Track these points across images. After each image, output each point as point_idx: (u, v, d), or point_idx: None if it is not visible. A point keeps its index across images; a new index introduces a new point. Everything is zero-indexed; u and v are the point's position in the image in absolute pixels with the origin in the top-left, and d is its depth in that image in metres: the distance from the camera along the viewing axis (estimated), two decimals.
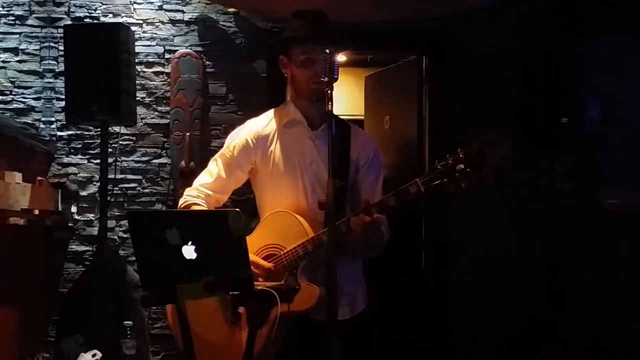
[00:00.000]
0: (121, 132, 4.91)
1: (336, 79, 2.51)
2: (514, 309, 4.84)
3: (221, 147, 3.07)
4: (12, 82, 4.98)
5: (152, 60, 5.02)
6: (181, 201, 2.98)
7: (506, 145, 4.67)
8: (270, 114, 3.00)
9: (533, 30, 4.84)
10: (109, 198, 4.53)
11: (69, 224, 4.84)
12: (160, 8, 5.04)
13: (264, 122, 2.97)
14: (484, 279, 4.91)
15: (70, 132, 4.98)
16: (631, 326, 4.83)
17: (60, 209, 4.66)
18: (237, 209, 2.34)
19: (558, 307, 4.62)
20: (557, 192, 4.66)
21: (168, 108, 4.98)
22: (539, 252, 4.74)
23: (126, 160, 4.99)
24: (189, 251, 2.34)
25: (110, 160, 4.62)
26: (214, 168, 2.98)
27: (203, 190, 2.96)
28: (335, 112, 2.54)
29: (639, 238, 4.89)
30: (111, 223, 4.82)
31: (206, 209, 2.91)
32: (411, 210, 4.74)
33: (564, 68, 4.39)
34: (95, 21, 4.98)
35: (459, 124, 4.94)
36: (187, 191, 2.99)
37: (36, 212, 4.15)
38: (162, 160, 5.01)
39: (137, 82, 4.73)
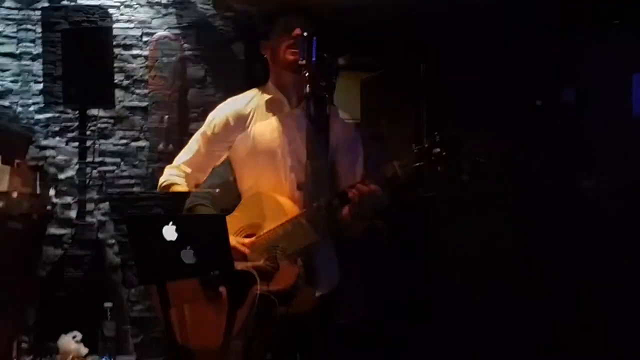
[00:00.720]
0: (99, 115, 4.90)
1: (315, 61, 2.55)
2: (502, 306, 4.86)
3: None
4: None
5: (130, 42, 5.00)
6: (161, 179, 3.01)
7: (482, 133, 4.70)
8: (251, 92, 3.01)
9: (511, 21, 4.86)
10: (87, 181, 4.54)
11: (47, 207, 4.83)
12: None
13: (245, 101, 2.98)
14: (468, 278, 4.92)
15: (48, 115, 4.95)
16: (621, 320, 4.86)
17: (38, 192, 4.66)
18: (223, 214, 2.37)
19: (544, 303, 4.66)
20: (537, 183, 4.69)
21: (146, 91, 4.97)
22: (522, 244, 4.79)
23: (104, 143, 4.98)
24: (169, 232, 2.37)
25: (88, 143, 4.61)
26: (195, 145, 3.01)
27: (183, 168, 2.99)
28: None
29: (619, 227, 4.93)
30: (90, 206, 4.81)
31: (184, 188, 2.94)
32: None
33: (541, 56, 4.44)
34: (73, 3, 4.94)
35: (456, 126, 4.92)
36: (168, 169, 3.03)
37: (14, 195, 4.15)
38: (140, 143, 5.01)
39: (115, 64, 4.71)
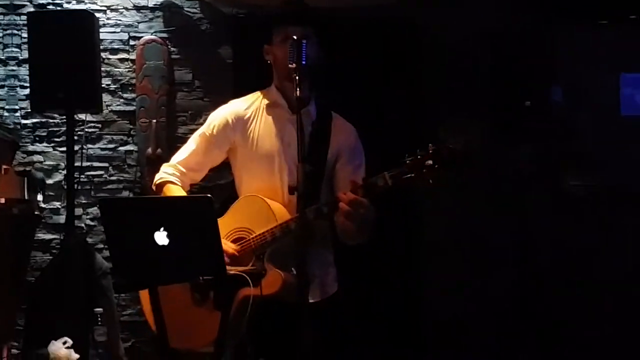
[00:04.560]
0: (87, 119, 4.88)
1: (305, 65, 2.55)
2: (486, 292, 4.88)
3: (187, 133, 3.10)
4: None
5: (116, 47, 5.00)
6: (157, 177, 3.02)
7: (473, 130, 4.71)
8: (254, 95, 3.02)
9: (499, 17, 4.87)
10: (75, 186, 4.52)
11: (35, 212, 4.81)
12: None
13: (246, 104, 2.98)
14: (455, 263, 4.94)
15: (34, 120, 4.94)
16: (601, 306, 4.89)
17: (26, 197, 4.64)
18: (209, 195, 2.37)
19: (530, 290, 4.69)
20: (524, 176, 4.71)
21: (134, 95, 4.96)
22: (508, 235, 4.81)
23: (92, 148, 4.97)
24: (161, 237, 2.37)
25: (76, 148, 4.60)
26: (192, 145, 3.01)
27: (179, 167, 3.00)
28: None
29: (605, 221, 4.96)
30: (78, 211, 4.79)
31: (179, 188, 2.96)
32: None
33: (530, 54, 4.46)
34: (58, 8, 4.93)
35: (427, 113, 4.94)
36: (164, 167, 3.03)
37: (2, 200, 4.13)
38: (128, 147, 5.00)
39: (102, 69, 4.70)
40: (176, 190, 2.95)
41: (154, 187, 3.04)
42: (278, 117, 2.92)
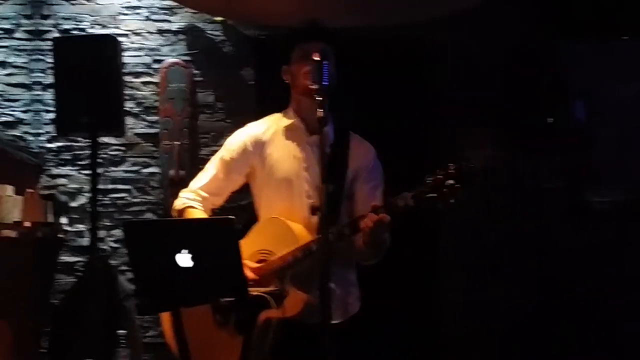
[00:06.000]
0: (110, 142, 4.93)
1: (327, 86, 2.54)
2: (504, 309, 4.85)
3: (211, 155, 3.09)
4: (0, 95, 4.99)
5: (140, 70, 5.04)
6: (177, 202, 3.00)
7: (491, 146, 4.69)
8: (271, 118, 3.02)
9: (518, 33, 4.87)
10: (99, 209, 4.54)
11: (60, 235, 4.84)
12: (148, 18, 5.06)
13: (264, 127, 2.98)
14: (473, 279, 4.92)
15: (59, 144, 4.99)
16: (619, 323, 4.85)
17: (51, 220, 4.68)
18: (232, 216, 2.37)
19: (547, 306, 4.65)
20: (545, 191, 4.69)
21: (157, 118, 4.99)
22: (528, 251, 4.78)
23: (116, 171, 5.00)
24: (183, 259, 2.37)
25: (99, 170, 4.62)
26: (212, 170, 3.01)
27: (199, 192, 2.99)
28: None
29: (626, 235, 4.92)
30: (102, 233, 4.82)
31: (201, 212, 2.95)
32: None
33: (549, 69, 4.45)
34: (83, 33, 4.99)
35: (445, 129, 4.93)
36: (183, 193, 3.02)
37: (28, 224, 4.17)
38: (151, 169, 5.02)
39: (125, 92, 4.73)
40: (198, 214, 2.94)
41: (174, 213, 3.02)
42: (295, 140, 2.92)
